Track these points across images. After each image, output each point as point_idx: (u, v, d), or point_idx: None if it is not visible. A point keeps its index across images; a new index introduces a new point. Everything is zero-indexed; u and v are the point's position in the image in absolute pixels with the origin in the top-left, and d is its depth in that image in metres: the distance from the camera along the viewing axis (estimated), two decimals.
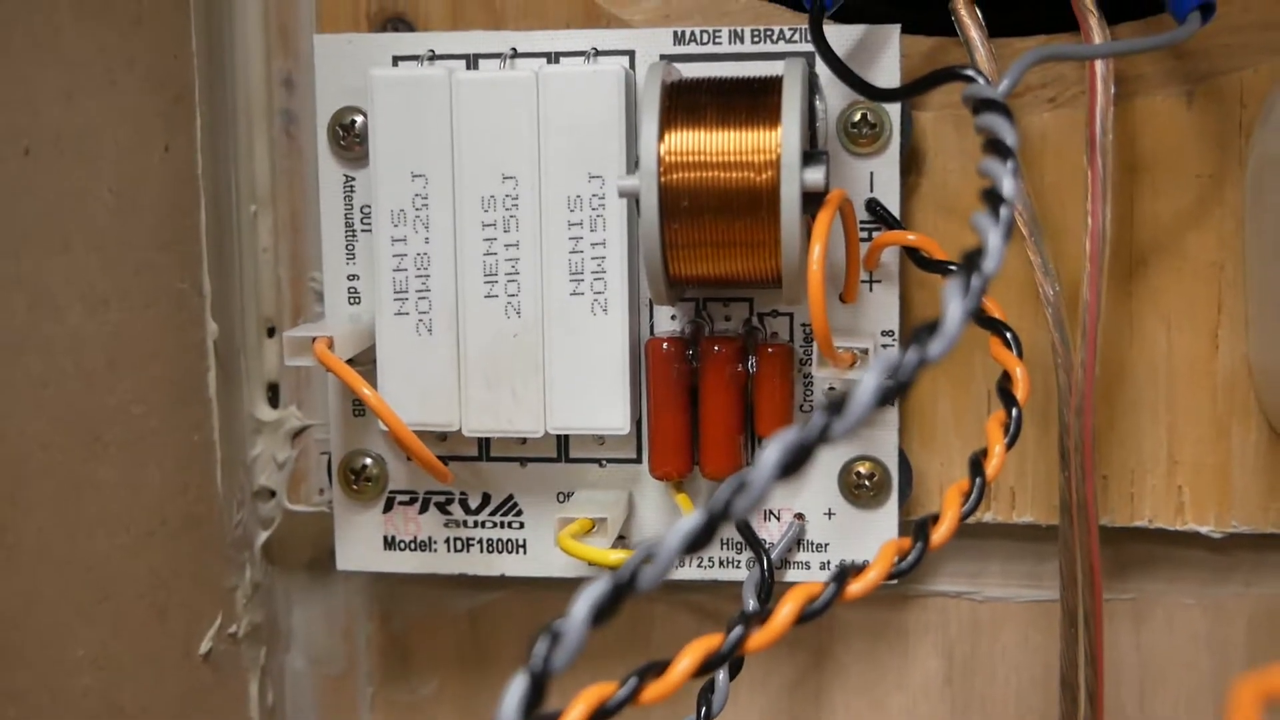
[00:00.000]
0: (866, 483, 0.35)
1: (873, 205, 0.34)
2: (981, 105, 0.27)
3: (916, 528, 0.27)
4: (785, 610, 0.24)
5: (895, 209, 0.34)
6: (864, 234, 0.34)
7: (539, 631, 0.21)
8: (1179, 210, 0.35)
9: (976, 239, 0.24)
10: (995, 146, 0.25)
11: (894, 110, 0.34)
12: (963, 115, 0.35)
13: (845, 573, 0.25)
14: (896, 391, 0.22)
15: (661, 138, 0.31)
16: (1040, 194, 0.35)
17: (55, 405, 0.30)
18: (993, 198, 0.24)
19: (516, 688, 0.21)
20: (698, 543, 0.21)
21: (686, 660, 0.23)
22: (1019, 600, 0.38)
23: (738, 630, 0.24)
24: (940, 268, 0.33)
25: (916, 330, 0.22)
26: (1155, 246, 0.35)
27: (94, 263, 0.31)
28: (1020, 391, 0.29)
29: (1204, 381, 0.35)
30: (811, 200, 0.31)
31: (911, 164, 0.35)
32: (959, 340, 0.23)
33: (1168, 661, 0.37)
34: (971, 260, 0.23)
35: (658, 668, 0.23)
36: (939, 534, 0.27)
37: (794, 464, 0.21)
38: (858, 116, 0.34)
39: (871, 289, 0.35)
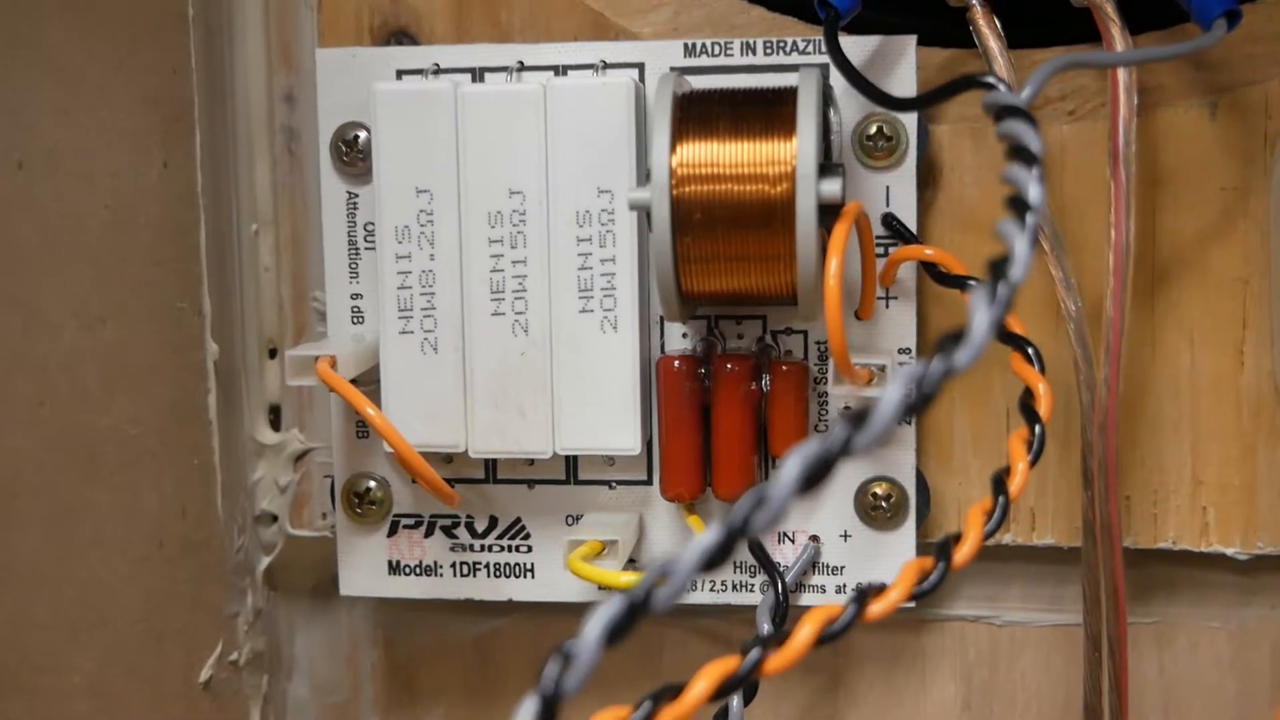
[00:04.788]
0: (883, 504, 0.34)
1: (889, 220, 0.33)
2: (1004, 112, 0.26)
3: (939, 548, 0.26)
4: (804, 632, 0.23)
5: (912, 224, 0.33)
6: (880, 249, 0.33)
7: (550, 652, 0.20)
8: (1202, 224, 0.34)
9: (996, 252, 0.23)
10: (1020, 153, 0.25)
11: (910, 122, 0.33)
12: (980, 128, 0.34)
13: (865, 593, 0.25)
14: (921, 404, 0.21)
15: (674, 149, 0.30)
16: (1060, 208, 0.34)
17: (49, 425, 0.29)
18: (1018, 205, 0.24)
19: (527, 710, 0.20)
20: (715, 560, 0.21)
21: (702, 683, 0.22)
22: (1040, 624, 0.37)
23: (755, 652, 0.23)
24: (959, 283, 0.32)
25: (942, 340, 0.22)
26: (1178, 261, 0.34)
27: (89, 280, 0.31)
28: (1043, 408, 0.28)
29: (1229, 399, 0.34)
30: (827, 213, 0.30)
31: (928, 178, 0.34)
32: (984, 352, 0.22)
33: (1192, 687, 0.36)
34: (998, 269, 0.23)
35: (673, 691, 0.22)
36: (961, 554, 0.26)
37: (815, 477, 0.21)
38: (873, 129, 0.33)
39: (888, 306, 0.34)
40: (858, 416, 0.21)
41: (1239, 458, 0.34)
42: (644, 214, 0.30)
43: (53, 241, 0.30)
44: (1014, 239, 0.23)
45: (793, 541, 0.35)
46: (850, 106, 0.33)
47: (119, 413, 0.32)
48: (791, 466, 0.21)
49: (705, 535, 0.20)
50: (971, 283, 0.31)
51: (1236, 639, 0.36)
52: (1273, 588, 0.36)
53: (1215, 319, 0.34)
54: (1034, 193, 0.24)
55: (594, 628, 0.20)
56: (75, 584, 0.30)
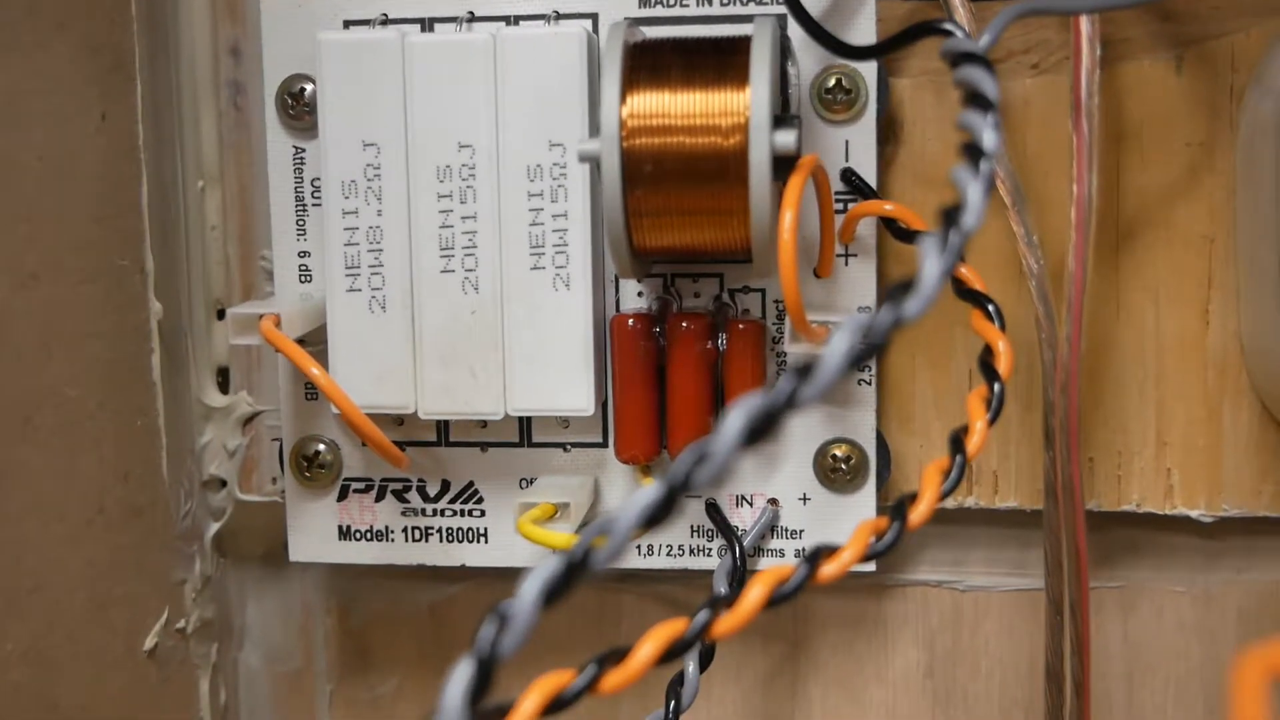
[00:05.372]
0: (843, 466, 0.33)
1: (848, 175, 0.32)
2: (961, 59, 0.25)
3: (894, 508, 0.25)
4: (754, 593, 0.23)
5: (872, 180, 0.32)
6: (839, 206, 0.33)
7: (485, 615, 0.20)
8: (1168, 181, 0.33)
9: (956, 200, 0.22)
10: (976, 99, 0.24)
11: (870, 74, 0.32)
12: (942, 82, 0.33)
13: (818, 554, 0.24)
14: (869, 353, 0.21)
15: (624, 100, 0.29)
16: (1023, 164, 0.33)
17: None
18: (973, 151, 0.23)
19: (461, 675, 0.19)
20: (656, 517, 0.20)
21: (649, 646, 0.22)
22: (1002, 589, 0.36)
23: (704, 614, 0.22)
24: (919, 239, 0.31)
25: (891, 289, 0.21)
26: (1143, 219, 0.33)
27: (21, 234, 0.30)
28: (1003, 365, 0.28)
29: (1194, 359, 0.33)
30: (782, 166, 0.29)
31: (889, 133, 0.33)
32: (936, 300, 0.21)
33: (1156, 651, 0.36)
34: (950, 216, 0.22)
35: (619, 654, 0.21)
36: (917, 513, 0.25)
37: (759, 431, 0.20)
38: (832, 82, 0.32)
39: (847, 263, 0.33)
40: (804, 369, 0.20)
41: (1204, 419, 0.34)
42: (594, 166, 0.30)
43: None
44: (967, 186, 0.22)
45: (751, 505, 0.34)
46: (809, 59, 0.32)
47: (56, 373, 0.31)
48: (735, 420, 0.20)
49: (645, 492, 0.20)
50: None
51: (1201, 603, 0.35)
52: (1237, 551, 0.35)
53: (1181, 278, 0.33)
54: (988, 139, 0.23)
55: (530, 588, 0.20)
56: (9, 549, 0.29)
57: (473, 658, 0.19)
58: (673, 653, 0.22)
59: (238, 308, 0.32)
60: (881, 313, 0.21)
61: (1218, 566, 0.35)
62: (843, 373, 0.20)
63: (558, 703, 0.21)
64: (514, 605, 0.20)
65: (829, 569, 0.24)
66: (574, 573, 0.20)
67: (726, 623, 0.23)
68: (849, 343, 0.20)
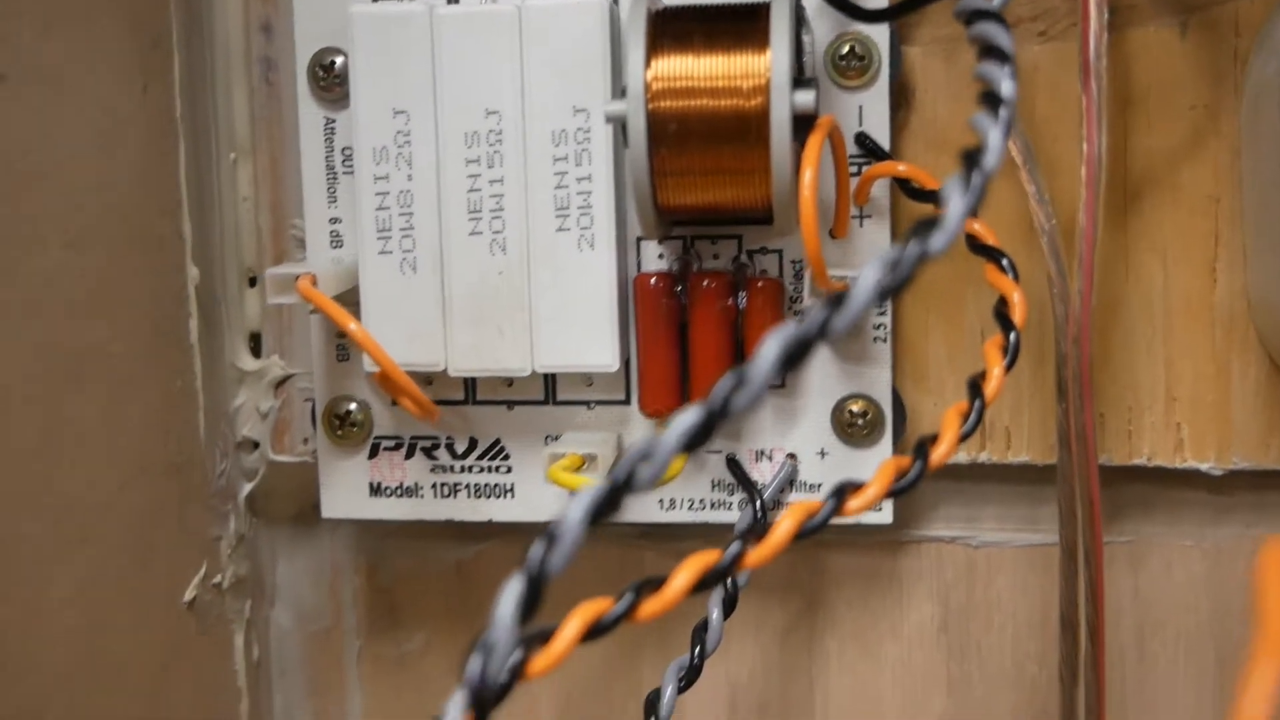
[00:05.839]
0: (860, 421, 0.34)
1: (862, 139, 0.33)
2: (975, 16, 0.26)
3: (916, 447, 0.26)
4: (784, 525, 0.23)
5: (885, 144, 0.33)
6: (854, 169, 0.34)
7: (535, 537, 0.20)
8: (1174, 143, 0.34)
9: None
10: (992, 52, 0.25)
11: (882, 40, 0.33)
12: (952, 49, 0.34)
13: (844, 489, 0.25)
14: (897, 286, 0.21)
15: (648, 64, 0.30)
16: (1031, 129, 0.34)
17: (34, 337, 0.29)
18: (991, 99, 0.24)
19: (513, 589, 0.20)
20: (695, 440, 0.21)
21: (684, 575, 0.22)
22: (1015, 545, 0.37)
23: (735, 545, 0.23)
24: (932, 198, 0.32)
25: (917, 224, 0.22)
26: (1150, 180, 0.34)
27: (73, 197, 0.31)
28: (1018, 315, 0.29)
29: (1202, 316, 0.34)
30: (801, 126, 0.30)
31: (901, 100, 0.34)
32: (958, 237, 0.22)
33: (1167, 606, 0.37)
34: (972, 158, 0.23)
35: (654, 583, 0.22)
36: (938, 453, 0.26)
37: (794, 358, 0.21)
38: (845, 49, 0.33)
39: (862, 225, 0.34)
40: (835, 299, 0.21)
41: (1212, 374, 0.34)
42: (619, 128, 0.31)
43: (36, 155, 0.30)
44: (988, 130, 0.23)
45: (770, 459, 0.35)
46: (823, 27, 0.33)
47: (104, 331, 0.32)
48: (770, 347, 0.21)
49: (686, 416, 0.21)
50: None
51: (1210, 558, 0.36)
52: (1246, 506, 0.36)
53: (1188, 237, 0.34)
54: (1007, 87, 0.24)
55: (577, 507, 0.21)
56: (61, 497, 0.31)
57: (523, 574, 0.20)
58: (706, 582, 0.23)
59: (275, 269, 0.33)
60: (909, 247, 0.22)
61: (1227, 521, 0.36)
62: (872, 303, 0.21)
63: (597, 628, 0.22)
64: (562, 524, 0.20)
65: (855, 503, 0.25)
66: (618, 493, 0.21)
67: (758, 553, 0.23)
68: (878, 275, 0.21)
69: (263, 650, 0.39)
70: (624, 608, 0.22)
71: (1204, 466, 0.35)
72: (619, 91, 0.32)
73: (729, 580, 0.32)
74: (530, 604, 0.20)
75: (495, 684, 0.20)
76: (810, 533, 0.24)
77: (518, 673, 0.21)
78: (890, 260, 0.21)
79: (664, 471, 0.21)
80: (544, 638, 0.21)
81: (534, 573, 0.20)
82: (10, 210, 0.29)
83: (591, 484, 0.31)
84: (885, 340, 0.34)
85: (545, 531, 0.20)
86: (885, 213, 0.34)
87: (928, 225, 0.22)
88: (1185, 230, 0.34)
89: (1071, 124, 0.33)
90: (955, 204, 0.22)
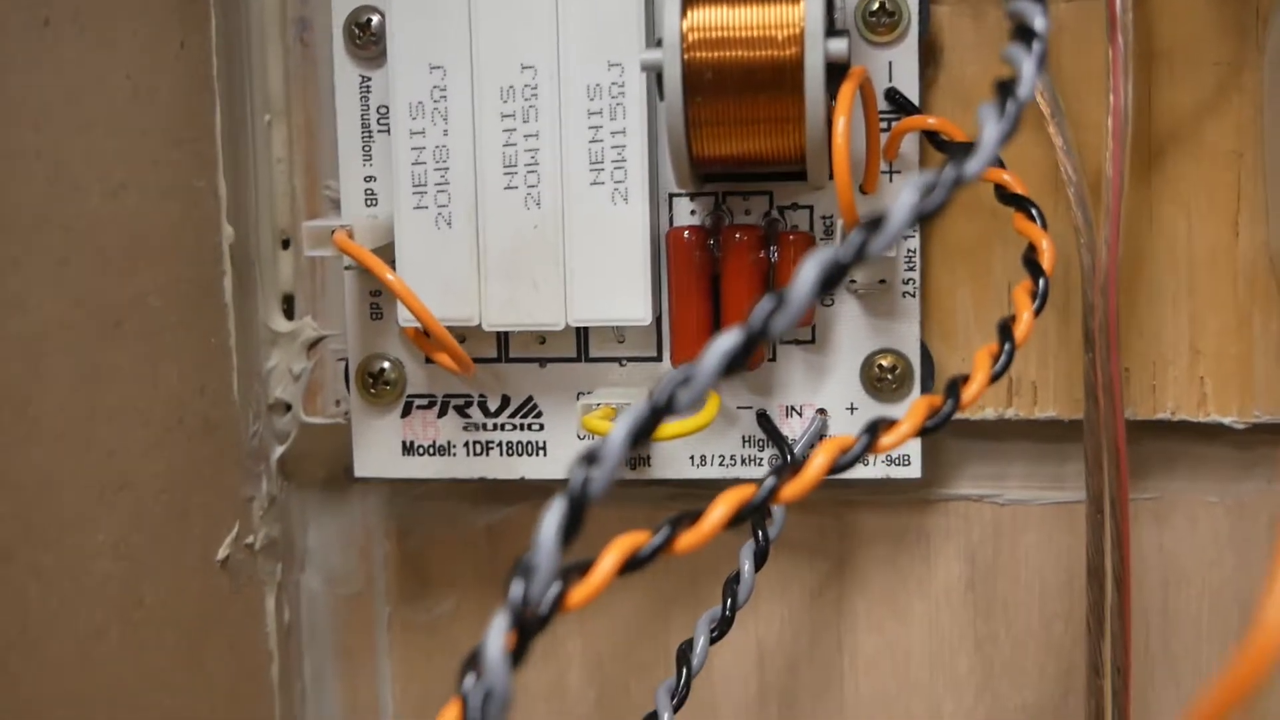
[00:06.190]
0: (889, 375, 0.35)
1: (892, 94, 0.34)
2: None
3: (948, 386, 0.26)
4: (818, 460, 0.24)
5: (915, 100, 0.34)
6: (884, 125, 0.34)
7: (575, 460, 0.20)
8: (1197, 99, 0.34)
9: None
10: None
11: None
12: (980, 8, 0.35)
13: (877, 425, 0.25)
14: (933, 209, 0.22)
15: (684, 14, 0.31)
16: (1059, 86, 0.35)
17: (75, 285, 0.30)
18: (1024, 32, 0.24)
19: (555, 512, 0.20)
20: (736, 362, 0.21)
21: (720, 509, 0.22)
22: (1042, 502, 0.37)
23: (770, 480, 0.23)
24: (962, 149, 0.32)
25: (953, 148, 0.22)
26: (1173, 135, 0.35)
27: (112, 146, 0.31)
28: (1046, 261, 0.29)
29: (1225, 270, 0.35)
30: (835, 76, 0.31)
31: (929, 58, 0.35)
32: (993, 160, 0.23)
33: (1191, 561, 0.37)
34: (1006, 87, 0.23)
35: (691, 516, 0.22)
36: (970, 392, 0.27)
37: (832, 280, 0.21)
38: (876, 5, 0.34)
39: (891, 180, 0.34)
40: (872, 222, 0.22)
41: (1235, 328, 0.35)
42: (654, 77, 0.31)
43: (77, 102, 0.30)
44: (1021, 61, 0.24)
45: (800, 414, 0.35)
46: None
47: (141, 283, 0.32)
48: (809, 270, 0.21)
49: (726, 337, 0.21)
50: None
51: (1234, 513, 0.37)
52: (1270, 461, 0.36)
53: (1211, 192, 0.35)
54: (1039, 22, 0.24)
55: (619, 430, 0.21)
56: (101, 446, 0.31)
57: (564, 497, 0.20)
58: (742, 515, 0.23)
59: (312, 222, 0.33)
60: (945, 171, 0.22)
61: (1250, 477, 0.37)
62: (907, 226, 0.21)
63: (635, 560, 0.22)
64: (604, 446, 0.21)
65: (888, 439, 0.25)
66: (658, 415, 0.21)
67: (793, 487, 0.23)
68: (914, 198, 0.22)
69: (293, 614, 0.40)
70: (661, 540, 0.22)
71: (1227, 420, 0.35)
72: (655, 42, 0.32)
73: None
74: (572, 527, 0.20)
75: (537, 605, 0.20)
76: (844, 468, 0.24)
77: (557, 604, 0.21)
78: (926, 184, 0.22)
79: (704, 394, 0.21)
80: (582, 570, 0.21)
81: (576, 495, 0.20)
82: (50, 154, 0.29)
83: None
84: (914, 295, 0.35)
85: (586, 454, 0.20)
86: (915, 168, 0.34)
87: (964, 149, 0.22)
88: (1209, 184, 0.35)
89: (1096, 83, 0.34)
90: (990, 129, 0.22)
